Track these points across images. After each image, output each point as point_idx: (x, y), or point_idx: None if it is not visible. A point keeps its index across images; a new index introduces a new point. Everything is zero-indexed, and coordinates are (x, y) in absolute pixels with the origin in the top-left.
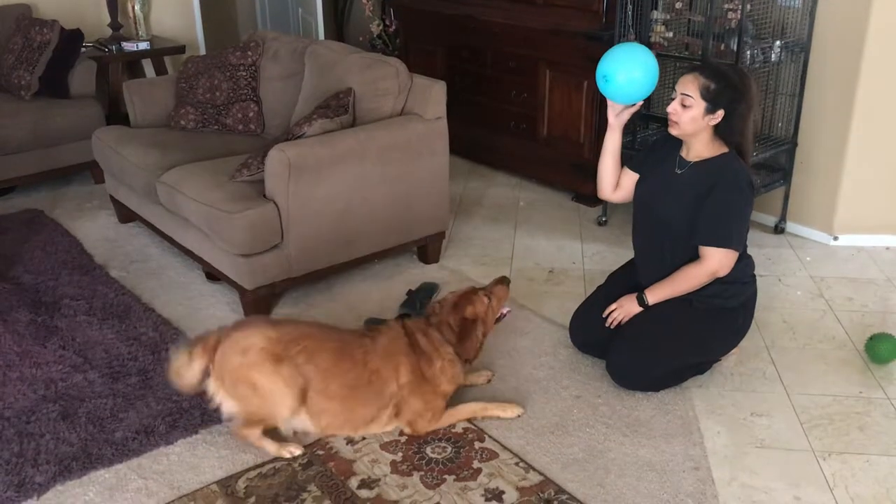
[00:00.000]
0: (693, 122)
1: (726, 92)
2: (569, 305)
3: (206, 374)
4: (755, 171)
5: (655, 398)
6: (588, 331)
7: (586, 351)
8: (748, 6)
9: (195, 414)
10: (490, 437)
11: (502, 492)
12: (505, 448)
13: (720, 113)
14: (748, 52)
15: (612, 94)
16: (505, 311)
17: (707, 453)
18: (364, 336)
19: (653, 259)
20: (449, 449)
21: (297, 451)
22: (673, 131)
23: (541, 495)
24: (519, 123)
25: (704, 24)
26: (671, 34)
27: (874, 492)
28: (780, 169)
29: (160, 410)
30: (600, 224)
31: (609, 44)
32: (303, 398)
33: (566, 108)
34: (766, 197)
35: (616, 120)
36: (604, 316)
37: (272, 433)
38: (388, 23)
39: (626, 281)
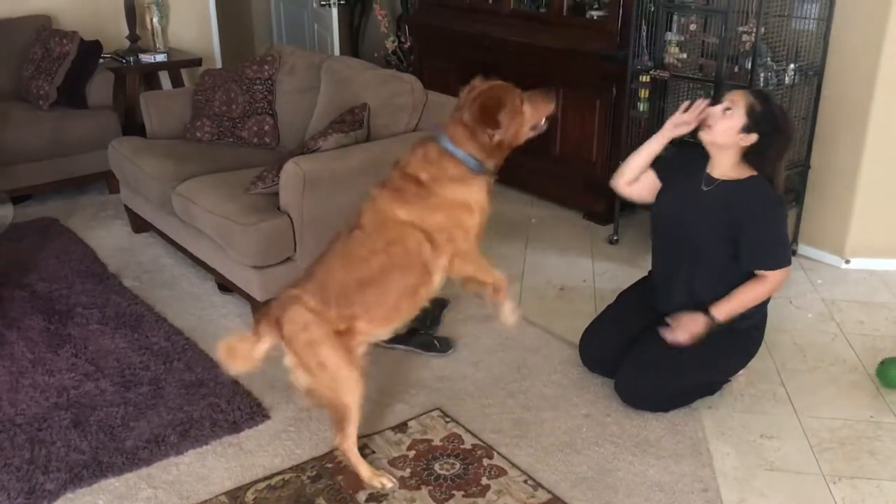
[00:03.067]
0: (727, 133)
1: (768, 119)
2: (579, 323)
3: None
4: None
5: (665, 418)
6: (598, 350)
7: (595, 370)
8: (762, 29)
9: (205, 424)
10: (499, 453)
11: None
12: (513, 465)
13: (754, 136)
14: (762, 75)
15: None
16: (540, 123)
17: (716, 474)
18: (355, 226)
19: (676, 280)
20: (457, 465)
21: (389, 484)
22: (703, 136)
23: None
24: (532, 141)
25: (719, 45)
26: (685, 55)
27: None
28: (792, 191)
29: (171, 420)
30: (611, 242)
31: (623, 63)
32: (358, 362)
33: (579, 128)
34: None
35: (673, 130)
36: (666, 339)
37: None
38: (402, 39)
39: (638, 300)
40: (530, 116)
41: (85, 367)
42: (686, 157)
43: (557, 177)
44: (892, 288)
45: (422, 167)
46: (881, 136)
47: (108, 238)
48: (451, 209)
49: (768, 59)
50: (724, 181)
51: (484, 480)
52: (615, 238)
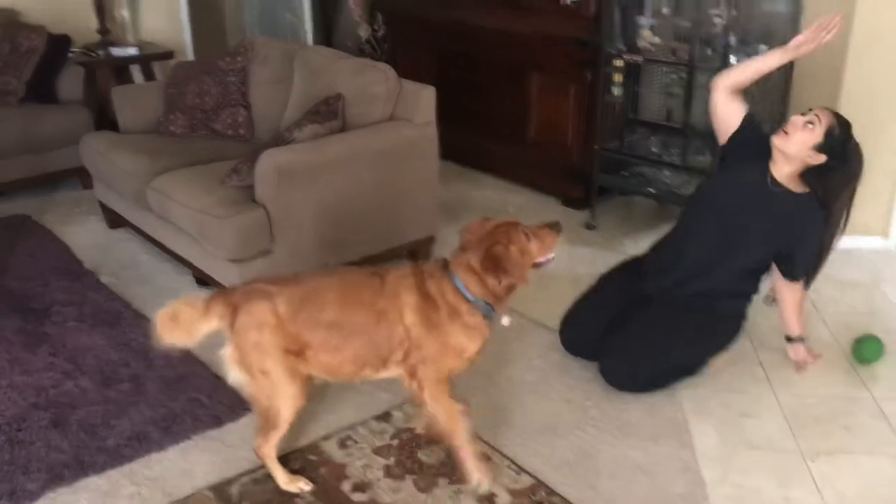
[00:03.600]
0: (801, 145)
1: (842, 146)
2: (558, 309)
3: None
4: None
5: (645, 400)
6: (579, 334)
7: (576, 354)
8: (734, 11)
9: (187, 419)
10: (481, 439)
11: (494, 495)
12: (496, 450)
13: (823, 158)
14: (734, 57)
15: None
16: (547, 257)
17: (697, 454)
18: (374, 275)
19: (701, 263)
20: (441, 453)
21: (307, 487)
22: (777, 141)
23: (532, 498)
24: (507, 128)
25: (691, 28)
26: (658, 39)
27: (861, 491)
28: None
29: (152, 416)
30: (589, 228)
31: (597, 48)
32: (302, 379)
33: (554, 113)
34: None
35: (795, 50)
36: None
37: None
38: (376, 28)
39: (619, 284)
40: (537, 252)
41: (63, 366)
42: (763, 141)
43: (534, 163)
44: (865, 265)
45: (441, 298)
46: (852, 114)
47: (84, 235)
48: (444, 346)
49: (740, 41)
50: (787, 190)
51: None
52: (592, 223)
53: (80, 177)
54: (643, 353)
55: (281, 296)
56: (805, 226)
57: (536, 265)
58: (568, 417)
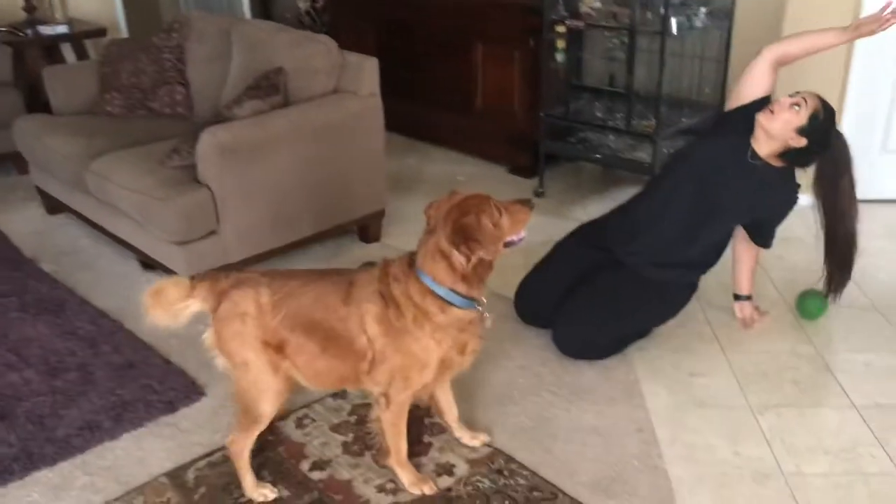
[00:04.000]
0: (784, 126)
1: (824, 133)
2: (510, 278)
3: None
4: (685, 135)
5: (598, 364)
6: (533, 302)
7: (531, 322)
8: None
9: (139, 406)
10: (434, 411)
11: (453, 465)
12: None
13: (803, 141)
14: (674, 19)
15: None
16: (519, 237)
17: (650, 415)
18: (344, 279)
19: (667, 227)
20: None
21: (272, 496)
22: (762, 118)
23: (491, 466)
24: (453, 98)
25: None
26: (599, 4)
27: (808, 443)
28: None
29: (103, 405)
30: (538, 195)
31: (540, 15)
32: (285, 375)
33: (499, 81)
34: None
35: (854, 31)
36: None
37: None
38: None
39: (573, 251)
40: (508, 228)
41: (7, 358)
42: (737, 116)
43: (481, 133)
44: (807, 223)
45: (407, 302)
46: (790, 74)
47: (21, 222)
48: (411, 356)
49: (680, 3)
50: (766, 164)
51: (426, 438)
52: (541, 190)
53: (14, 161)
54: (595, 322)
55: (267, 287)
56: (781, 197)
57: (507, 244)
58: (523, 384)
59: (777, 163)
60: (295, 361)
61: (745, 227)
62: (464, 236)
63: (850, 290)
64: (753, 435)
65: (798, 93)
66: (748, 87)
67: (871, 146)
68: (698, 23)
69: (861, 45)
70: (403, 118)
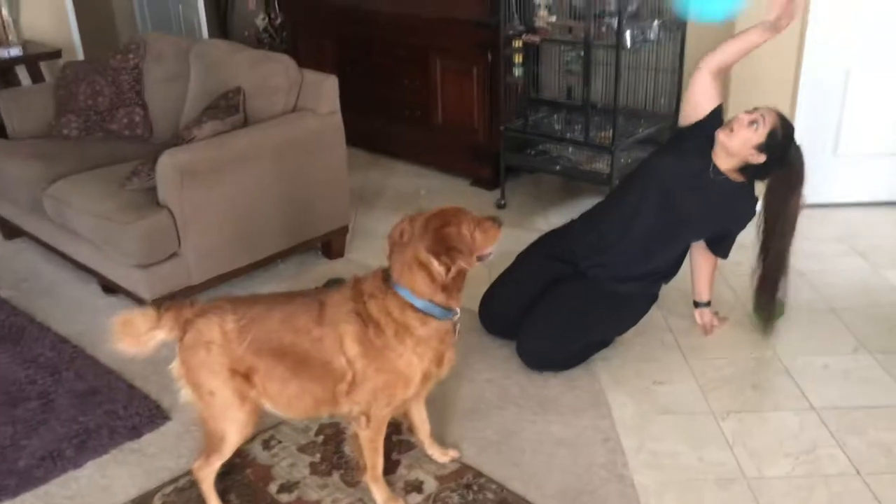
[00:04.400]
0: (743, 143)
1: (782, 150)
2: (474, 289)
3: (154, 345)
4: (642, 146)
5: (563, 375)
6: (498, 313)
7: (496, 333)
8: None
9: (103, 433)
10: (406, 428)
11: (422, 482)
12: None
13: (762, 158)
14: (628, 33)
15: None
16: (489, 251)
17: (615, 424)
18: (314, 300)
19: (631, 238)
20: None
21: None
22: (721, 136)
23: (459, 481)
24: (414, 112)
25: (585, 6)
26: (554, 18)
27: (769, 445)
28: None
29: (65, 433)
30: (499, 207)
31: (496, 30)
32: (253, 406)
33: (458, 95)
34: None
35: (774, 25)
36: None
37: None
38: (273, 16)
39: (537, 262)
40: (481, 243)
41: None
42: (699, 130)
43: (442, 146)
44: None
45: (386, 318)
46: (743, 83)
47: None
48: (395, 373)
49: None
50: (727, 179)
51: (394, 456)
52: (503, 202)
53: None
54: (558, 334)
55: (232, 314)
56: (741, 210)
57: (479, 258)
58: (490, 397)
59: (737, 177)
60: (266, 389)
61: (706, 239)
62: (445, 246)
63: (806, 293)
64: (716, 440)
65: (756, 109)
66: (696, 102)
67: (822, 151)
68: (652, 35)
69: (811, 50)
70: (365, 133)
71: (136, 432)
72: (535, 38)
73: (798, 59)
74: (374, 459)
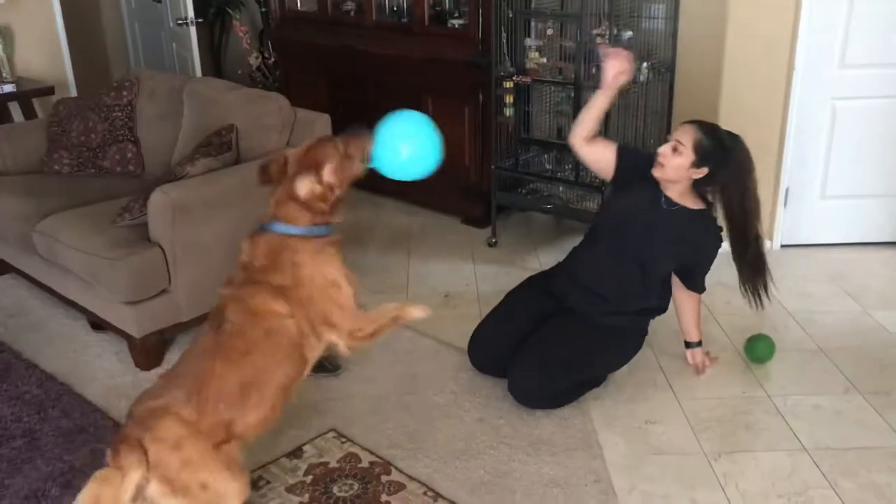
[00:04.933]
0: (678, 170)
1: (717, 153)
2: (465, 328)
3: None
4: None
5: (555, 415)
6: (488, 351)
7: (486, 371)
8: (615, 30)
9: (88, 473)
10: (396, 468)
11: None
12: (412, 478)
13: (704, 170)
14: None
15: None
16: (362, 161)
17: (607, 465)
18: (219, 320)
19: (607, 280)
20: (356, 486)
21: None
22: (656, 173)
23: None
24: None
25: (575, 49)
26: (545, 60)
27: (761, 487)
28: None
29: (50, 472)
30: (490, 245)
31: (487, 70)
32: (240, 466)
33: (450, 135)
34: None
35: (614, 85)
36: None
37: None
38: (266, 55)
39: (526, 299)
40: (356, 158)
41: None
42: (646, 161)
43: (433, 185)
44: None
45: (273, 259)
46: (731, 125)
47: None
48: (322, 291)
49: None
50: (682, 208)
51: (384, 497)
52: (494, 241)
53: None
54: (549, 371)
55: (174, 401)
56: (703, 240)
57: (353, 173)
58: (481, 437)
59: (692, 199)
60: (248, 424)
61: (676, 273)
62: (314, 162)
63: (797, 333)
64: (708, 481)
65: (670, 134)
66: (597, 162)
67: (810, 193)
68: (641, 77)
69: (798, 93)
70: None
71: None
72: (527, 79)
73: (785, 103)
74: (392, 323)
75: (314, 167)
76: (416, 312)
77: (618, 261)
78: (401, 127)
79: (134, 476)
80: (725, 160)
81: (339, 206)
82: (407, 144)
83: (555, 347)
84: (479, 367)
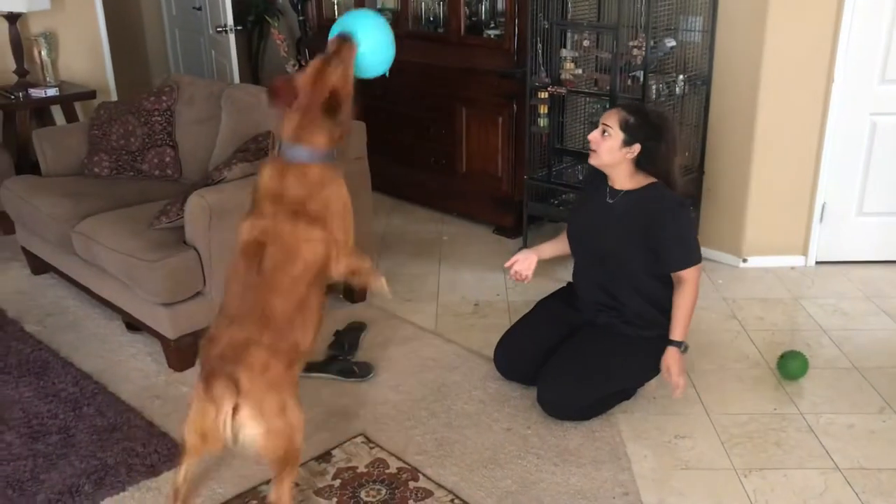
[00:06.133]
0: (610, 152)
1: (644, 128)
2: (494, 338)
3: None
4: None
5: (583, 426)
6: (513, 357)
7: (510, 377)
8: (652, 42)
9: (121, 470)
10: (424, 475)
11: None
12: (439, 486)
13: (637, 147)
14: (654, 86)
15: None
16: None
17: (635, 477)
18: (262, 258)
19: (596, 292)
20: (384, 491)
21: None
22: (592, 160)
23: None
24: (438, 160)
25: (611, 60)
26: (580, 71)
27: None
28: (688, 196)
29: (84, 469)
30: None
31: (522, 80)
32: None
33: (483, 144)
34: None
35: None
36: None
37: None
38: (303, 63)
39: (555, 310)
40: (350, 64)
41: None
42: (594, 172)
43: (465, 194)
44: (786, 284)
45: (307, 187)
46: (767, 139)
47: (6, 282)
48: (341, 215)
49: (658, 71)
50: (626, 192)
51: (411, 503)
52: None
53: (1, 222)
54: (578, 382)
55: (252, 332)
56: (660, 207)
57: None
58: (509, 447)
59: (641, 179)
60: (306, 342)
61: (658, 262)
62: (330, 90)
63: (831, 351)
64: (738, 498)
65: (599, 121)
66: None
67: (847, 209)
68: (677, 90)
69: (837, 108)
70: (389, 179)
71: (153, 470)
72: (562, 90)
73: (823, 120)
74: (363, 273)
75: (333, 94)
76: (377, 283)
77: (595, 270)
78: (360, 24)
79: (227, 407)
80: (654, 134)
81: (348, 124)
82: (370, 40)
83: (582, 360)
84: (504, 372)
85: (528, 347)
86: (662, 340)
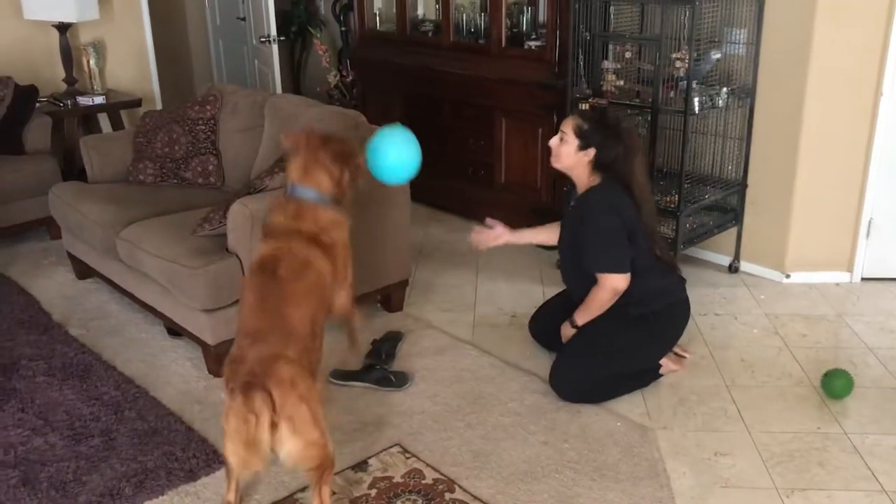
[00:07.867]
0: (568, 156)
1: (597, 132)
2: (531, 350)
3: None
4: (707, 212)
5: (622, 442)
6: (544, 322)
7: (537, 338)
8: (695, 54)
9: (161, 474)
10: (460, 487)
11: None
12: (475, 498)
13: (592, 150)
14: (696, 99)
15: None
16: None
17: (674, 495)
18: (276, 272)
19: (570, 283)
20: (420, 502)
21: None
22: (553, 163)
23: None
24: (477, 170)
25: (654, 72)
26: (622, 82)
27: None
28: (731, 210)
29: (125, 472)
30: (559, 267)
31: (562, 92)
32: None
33: (522, 155)
34: (719, 237)
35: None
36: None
37: None
38: (344, 73)
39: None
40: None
41: (32, 422)
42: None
43: (503, 204)
44: (830, 300)
45: (317, 222)
46: (812, 153)
47: (51, 286)
48: (343, 255)
49: (701, 83)
50: (579, 196)
51: None
52: None
53: (48, 227)
54: (579, 361)
55: (277, 347)
56: (583, 215)
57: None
58: (545, 461)
59: (593, 180)
60: (317, 356)
61: (585, 261)
62: (346, 157)
63: (877, 370)
64: None
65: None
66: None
67: (895, 225)
68: (720, 102)
69: (884, 121)
70: (427, 189)
71: (192, 475)
72: (603, 102)
73: (870, 136)
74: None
75: (344, 156)
76: (355, 344)
77: (567, 268)
78: (386, 140)
79: (266, 420)
80: (608, 136)
81: (351, 185)
82: (392, 152)
83: (581, 341)
84: (534, 334)
85: (557, 315)
86: (649, 318)
